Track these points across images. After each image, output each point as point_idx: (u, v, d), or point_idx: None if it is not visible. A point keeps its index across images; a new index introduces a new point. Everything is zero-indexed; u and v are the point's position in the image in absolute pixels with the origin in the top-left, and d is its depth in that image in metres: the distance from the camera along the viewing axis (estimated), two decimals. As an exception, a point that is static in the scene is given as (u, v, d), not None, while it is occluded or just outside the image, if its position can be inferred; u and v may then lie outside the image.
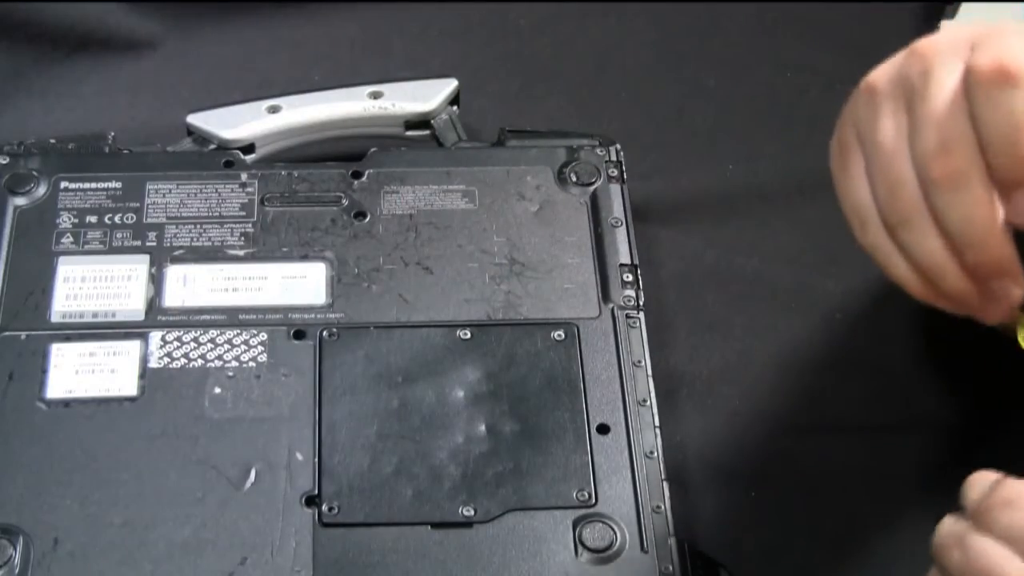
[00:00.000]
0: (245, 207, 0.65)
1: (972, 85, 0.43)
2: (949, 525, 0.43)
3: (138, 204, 0.64)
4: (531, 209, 0.65)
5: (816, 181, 0.71)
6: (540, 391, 0.59)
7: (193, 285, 0.62)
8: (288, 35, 0.79)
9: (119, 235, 0.63)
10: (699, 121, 0.76)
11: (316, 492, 0.56)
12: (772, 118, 0.76)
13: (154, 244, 0.63)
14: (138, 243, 0.63)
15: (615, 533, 0.55)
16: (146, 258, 0.63)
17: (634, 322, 0.62)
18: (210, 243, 0.63)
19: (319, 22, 0.79)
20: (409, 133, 0.70)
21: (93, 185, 0.65)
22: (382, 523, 0.55)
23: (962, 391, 0.64)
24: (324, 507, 0.55)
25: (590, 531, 0.55)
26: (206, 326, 0.60)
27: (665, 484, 0.57)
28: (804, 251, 0.70)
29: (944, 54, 0.44)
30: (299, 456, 0.57)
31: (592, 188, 0.66)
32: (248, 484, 0.56)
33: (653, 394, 0.60)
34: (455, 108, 0.70)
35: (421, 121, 0.70)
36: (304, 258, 0.63)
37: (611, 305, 0.62)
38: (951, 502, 0.45)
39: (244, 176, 0.66)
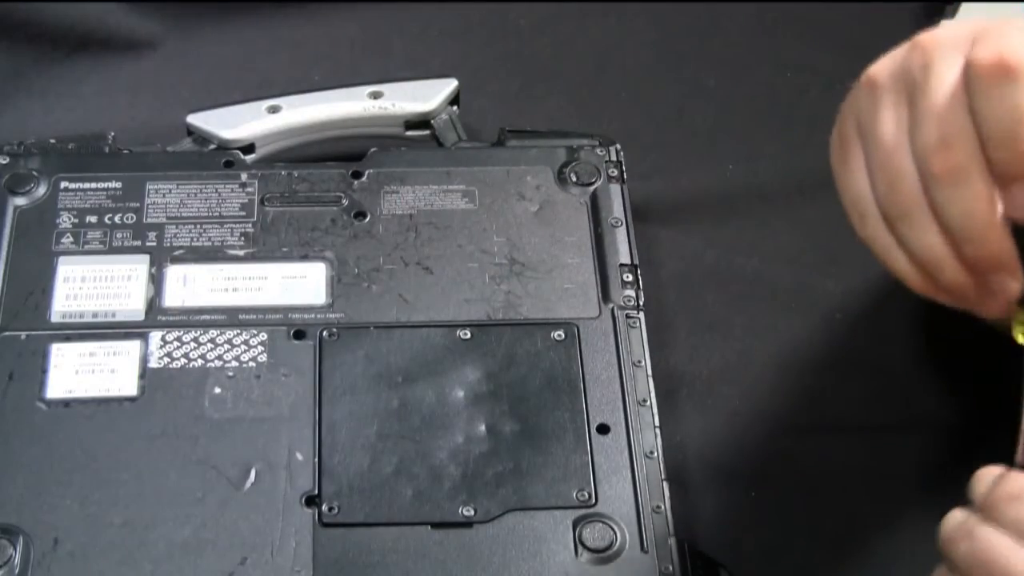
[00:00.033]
0: (245, 207, 0.65)
1: (972, 79, 0.43)
2: (956, 518, 0.44)
3: (138, 204, 0.64)
4: (531, 209, 0.65)
5: (816, 181, 0.71)
6: (540, 391, 0.59)
7: (193, 285, 0.62)
8: (288, 35, 0.79)
9: (119, 235, 0.63)
10: (699, 121, 0.76)
11: (316, 492, 0.56)
12: (772, 118, 0.76)
13: (154, 244, 0.63)
14: (138, 243, 0.63)
15: (615, 533, 0.55)
16: (146, 258, 0.63)
17: (634, 322, 0.62)
18: (210, 243, 0.63)
19: (319, 22, 0.79)
20: (409, 133, 0.70)
21: (93, 185, 0.65)
22: (382, 523, 0.55)
23: (962, 391, 0.64)
24: (324, 507, 0.55)
25: (590, 531, 0.55)
26: (206, 326, 0.60)
27: (665, 484, 0.57)
28: (804, 251, 0.70)
29: (945, 48, 0.44)
30: (299, 456, 0.57)
31: (592, 188, 0.66)
32: (248, 484, 0.56)
33: (653, 394, 0.60)
34: (455, 108, 0.70)
35: (421, 121, 0.70)
36: (304, 258, 0.63)
37: (611, 305, 0.62)
38: (951, 502, 0.45)
39: (244, 176, 0.66)
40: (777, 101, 0.77)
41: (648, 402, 0.59)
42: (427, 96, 0.70)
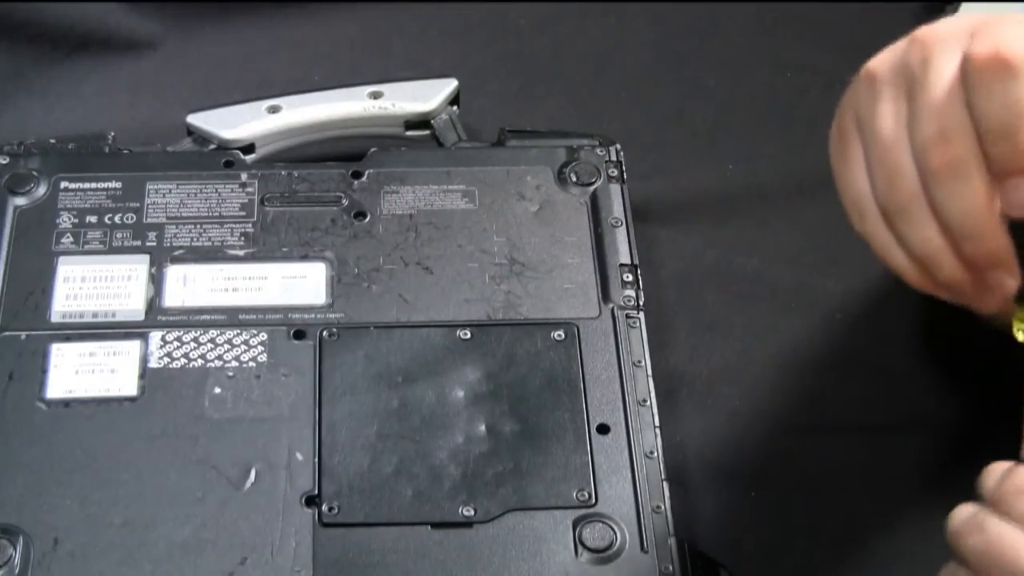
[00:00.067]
0: (245, 207, 0.65)
1: (969, 73, 0.43)
2: (966, 512, 0.44)
3: (138, 204, 0.64)
4: (531, 209, 0.65)
5: (816, 181, 0.71)
6: (540, 391, 0.59)
7: (193, 285, 0.62)
8: (288, 35, 0.79)
9: (119, 235, 0.63)
10: (699, 121, 0.76)
11: (316, 492, 0.56)
12: (772, 118, 0.76)
13: (154, 244, 0.63)
14: (138, 243, 0.63)
15: (615, 533, 0.55)
16: (146, 258, 0.63)
17: (634, 322, 0.62)
18: (210, 243, 0.63)
19: (319, 22, 0.79)
20: (409, 133, 0.70)
21: (93, 185, 0.65)
22: (382, 523, 0.55)
23: (962, 391, 0.64)
24: (324, 507, 0.55)
25: (590, 531, 0.55)
26: (206, 326, 0.60)
27: (665, 484, 0.57)
28: (804, 251, 0.70)
29: (944, 42, 0.44)
30: (299, 456, 0.57)
31: (592, 188, 0.66)
32: (248, 484, 0.56)
33: (653, 394, 0.60)
34: (455, 108, 0.70)
35: (421, 121, 0.70)
36: (304, 258, 0.63)
37: (611, 305, 0.62)
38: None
39: (244, 176, 0.66)
40: (777, 101, 0.77)
41: (648, 402, 0.59)
42: (427, 96, 0.70)
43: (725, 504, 0.61)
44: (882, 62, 0.46)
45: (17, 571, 0.53)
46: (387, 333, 0.61)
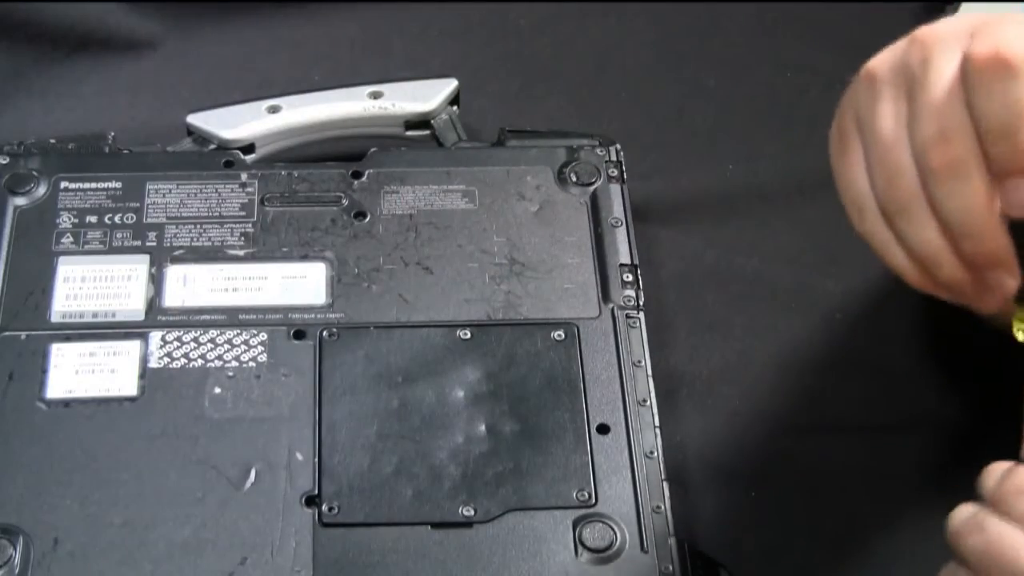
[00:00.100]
0: (245, 207, 0.65)
1: (969, 74, 0.42)
2: (966, 512, 0.44)
3: (138, 204, 0.64)
4: (531, 209, 0.65)
5: (816, 181, 0.71)
6: (540, 391, 0.59)
7: (193, 285, 0.62)
8: (288, 35, 0.79)
9: (119, 235, 0.63)
10: (699, 121, 0.76)
11: (316, 492, 0.56)
12: (772, 118, 0.76)
13: (154, 244, 0.63)
14: (138, 243, 0.63)
15: (615, 533, 0.55)
16: (146, 258, 0.63)
17: (634, 322, 0.62)
18: (210, 243, 0.63)
19: (319, 22, 0.79)
20: (409, 133, 0.70)
21: (93, 185, 0.65)
22: (382, 523, 0.55)
23: (962, 391, 0.64)
24: (324, 507, 0.55)
25: (590, 531, 0.55)
26: (206, 326, 0.60)
27: (665, 484, 0.57)
28: (804, 251, 0.70)
29: (944, 42, 0.44)
30: (299, 456, 0.57)
31: (592, 188, 0.66)
32: (248, 484, 0.56)
33: (653, 394, 0.60)
34: (455, 108, 0.70)
35: (421, 121, 0.70)
36: (304, 258, 0.63)
37: (611, 305, 0.62)
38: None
39: (244, 176, 0.66)
40: (777, 101, 0.77)
41: (648, 402, 0.59)
42: (427, 96, 0.70)
43: (725, 504, 0.61)
44: (882, 62, 0.46)
45: (17, 571, 0.53)
46: (387, 333, 0.61)
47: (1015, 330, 0.48)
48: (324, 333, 0.60)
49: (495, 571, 0.54)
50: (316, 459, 0.57)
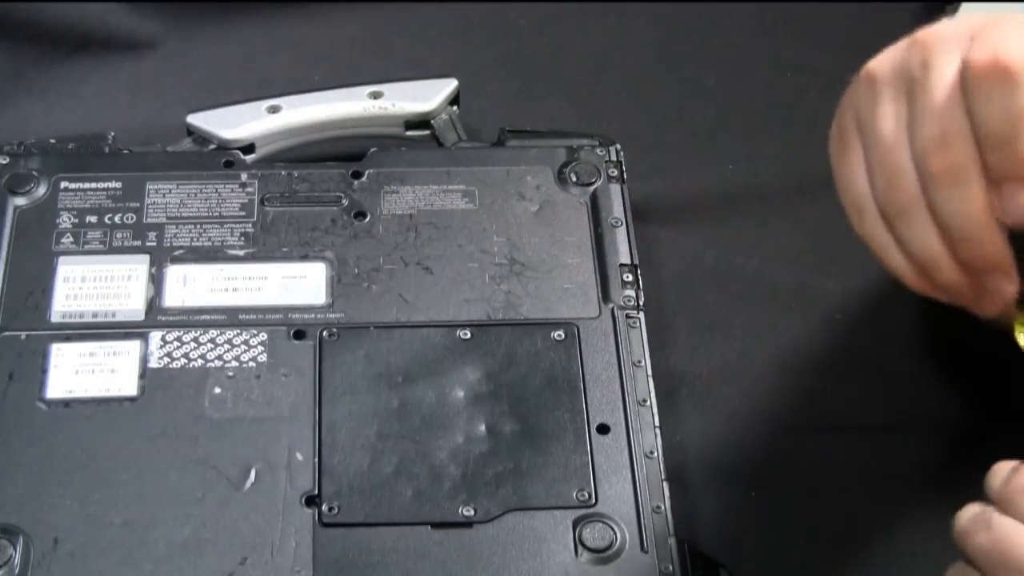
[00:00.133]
0: (245, 207, 0.65)
1: (968, 80, 0.42)
2: (973, 510, 0.44)
3: (138, 204, 0.64)
4: (531, 209, 0.65)
5: (816, 181, 0.71)
6: (540, 391, 0.59)
7: (193, 285, 0.62)
8: (288, 35, 0.79)
9: (119, 235, 0.63)
10: (699, 121, 0.76)
11: (316, 492, 0.56)
12: (772, 118, 0.76)
13: (154, 244, 0.63)
14: (138, 243, 0.63)
15: (615, 533, 0.55)
16: (146, 258, 0.63)
17: (634, 322, 0.62)
18: (210, 243, 0.63)
19: (319, 22, 0.79)
20: (409, 133, 0.70)
21: (93, 185, 0.65)
22: (382, 523, 0.55)
23: (962, 391, 0.64)
24: (324, 507, 0.55)
25: (590, 531, 0.55)
26: (206, 326, 0.60)
27: (665, 484, 0.57)
28: (804, 251, 0.70)
29: (945, 44, 0.44)
30: (299, 456, 0.57)
31: (592, 188, 0.66)
32: (248, 484, 0.56)
33: (653, 394, 0.60)
34: (455, 108, 0.70)
35: (421, 121, 0.70)
36: (304, 258, 0.63)
37: (611, 305, 0.62)
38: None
39: (244, 176, 0.66)
40: (777, 101, 0.77)
41: (648, 402, 0.59)
42: (427, 96, 0.70)
43: (725, 504, 0.61)
44: (882, 63, 0.45)
45: (17, 571, 0.53)
46: (387, 333, 0.61)
47: (1016, 334, 0.48)
48: (324, 333, 0.60)
49: (495, 571, 0.54)
50: (316, 459, 0.57)
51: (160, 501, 0.55)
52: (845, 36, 0.78)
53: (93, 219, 0.64)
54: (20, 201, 0.64)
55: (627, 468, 0.57)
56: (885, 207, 0.45)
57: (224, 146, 0.68)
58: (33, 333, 0.60)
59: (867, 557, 0.59)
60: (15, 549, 0.53)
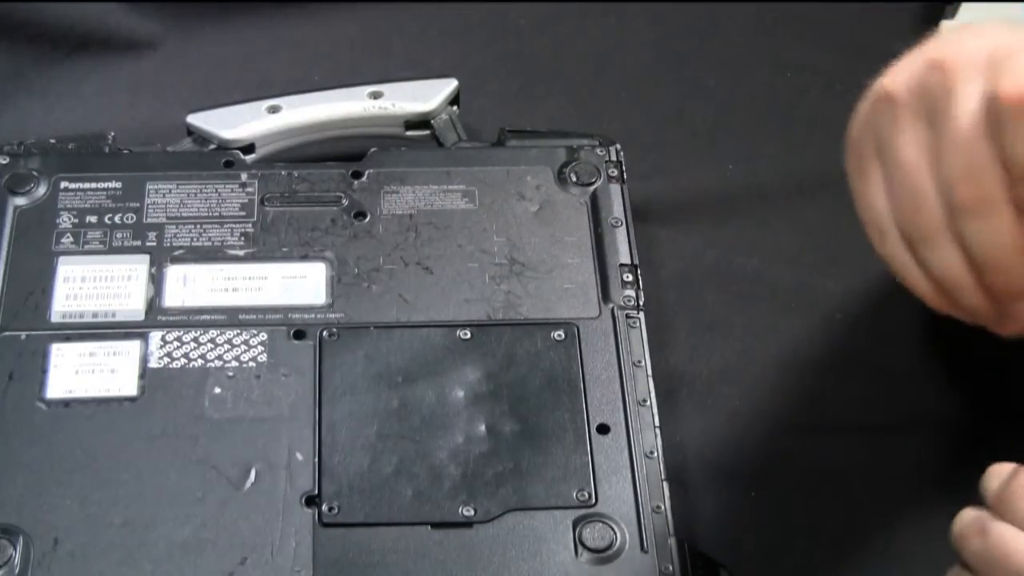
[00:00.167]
0: (245, 207, 0.65)
1: (998, 112, 0.42)
2: (969, 515, 0.44)
3: (138, 204, 0.64)
4: (531, 209, 0.65)
5: (816, 181, 0.71)
6: (540, 391, 0.59)
7: (193, 285, 0.62)
8: (288, 35, 0.79)
9: (119, 235, 0.63)
10: (699, 121, 0.76)
11: (316, 492, 0.56)
12: (772, 118, 0.76)
13: (154, 244, 0.63)
14: (138, 243, 0.63)
15: (615, 533, 0.55)
16: (146, 258, 0.63)
17: (634, 322, 0.62)
18: (210, 243, 0.63)
19: (319, 22, 0.79)
20: (409, 133, 0.70)
21: (93, 185, 0.65)
22: (382, 523, 0.55)
23: (963, 391, 0.64)
24: (324, 507, 0.55)
25: (590, 531, 0.55)
26: (206, 326, 0.60)
27: (665, 484, 0.57)
28: (804, 251, 0.70)
29: (967, 70, 0.43)
30: (299, 456, 0.57)
31: (592, 188, 0.66)
32: (248, 484, 0.56)
33: (653, 394, 0.60)
34: (455, 108, 0.70)
35: (421, 121, 0.70)
36: (304, 258, 0.63)
37: (611, 305, 0.62)
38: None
39: (244, 176, 0.66)
40: (777, 101, 0.77)
41: (648, 402, 0.59)
42: (427, 96, 0.70)
43: (725, 504, 0.61)
44: (900, 83, 0.44)
45: (17, 571, 0.53)
46: (387, 333, 0.61)
47: None
48: (324, 333, 0.60)
49: (495, 571, 0.54)
50: (316, 459, 0.57)
51: (160, 501, 0.55)
52: (845, 36, 0.79)
53: (93, 219, 0.64)
54: (20, 201, 0.64)
55: (627, 468, 0.57)
56: (908, 231, 0.44)
57: (224, 146, 0.68)
58: (33, 333, 0.60)
59: (867, 557, 0.59)
60: (15, 549, 0.53)
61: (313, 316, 0.61)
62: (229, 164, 0.66)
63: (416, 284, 0.62)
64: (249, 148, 0.68)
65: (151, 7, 0.77)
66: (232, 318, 0.61)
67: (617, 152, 0.68)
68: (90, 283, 0.62)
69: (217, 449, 0.57)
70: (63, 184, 0.65)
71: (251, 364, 0.59)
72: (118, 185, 0.65)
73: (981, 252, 0.43)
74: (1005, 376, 0.63)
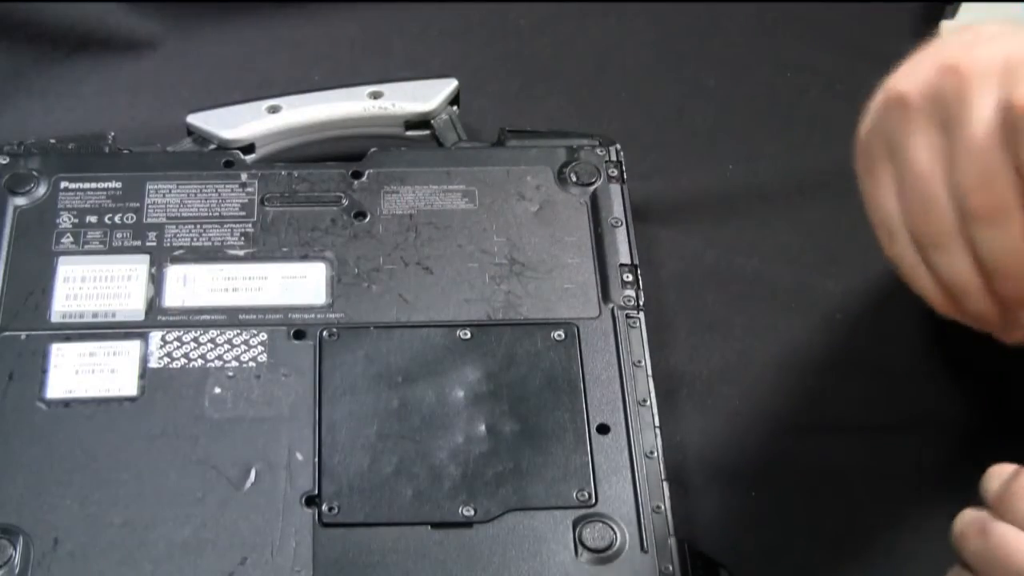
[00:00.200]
0: (245, 207, 0.65)
1: (1014, 121, 0.41)
2: (969, 515, 0.44)
3: (138, 204, 0.64)
4: (531, 209, 0.65)
5: (816, 181, 0.71)
6: (540, 391, 0.59)
7: (193, 285, 0.62)
8: (288, 35, 0.79)
9: (119, 235, 0.63)
10: (699, 121, 0.76)
11: (316, 492, 0.56)
12: (772, 118, 0.76)
13: (154, 244, 0.63)
14: (138, 243, 0.63)
15: (615, 533, 0.55)
16: (146, 258, 0.63)
17: (634, 322, 0.62)
18: (210, 243, 0.63)
19: (319, 22, 0.79)
20: (409, 133, 0.70)
21: (93, 185, 0.65)
22: (382, 523, 0.55)
23: (963, 391, 0.64)
24: (324, 507, 0.55)
25: (590, 531, 0.55)
26: (206, 326, 0.60)
27: (665, 484, 0.57)
28: (804, 251, 0.70)
29: (981, 77, 0.43)
30: (299, 456, 0.57)
31: (592, 188, 0.66)
32: (248, 484, 0.56)
33: (653, 394, 0.60)
34: (455, 108, 0.70)
35: (421, 121, 0.70)
36: (304, 258, 0.63)
37: (611, 305, 0.62)
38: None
39: (244, 176, 0.66)
40: (777, 101, 0.77)
41: (648, 402, 0.59)
42: (427, 96, 0.70)
43: (725, 504, 0.61)
44: (912, 87, 0.44)
45: (17, 571, 0.53)
46: (387, 333, 0.61)
47: None
48: (324, 333, 0.60)
49: (495, 571, 0.54)
50: (316, 459, 0.57)
51: (160, 501, 0.55)
52: (845, 36, 0.78)
53: (93, 219, 0.64)
54: (20, 201, 0.64)
55: (627, 468, 0.57)
56: (918, 234, 0.44)
57: (224, 146, 0.68)
58: (33, 333, 0.60)
59: (867, 557, 0.59)
60: (15, 549, 0.53)
61: (313, 316, 0.61)
62: (229, 164, 0.66)
63: (416, 284, 0.62)
64: (249, 148, 0.68)
65: (151, 7, 0.77)
66: (232, 318, 0.61)
67: (617, 152, 0.68)
68: (90, 283, 0.62)
69: (217, 449, 0.57)
70: (63, 184, 0.65)
71: (251, 364, 0.59)
72: (118, 185, 0.65)
73: (992, 259, 0.43)
74: (1005, 376, 0.63)
